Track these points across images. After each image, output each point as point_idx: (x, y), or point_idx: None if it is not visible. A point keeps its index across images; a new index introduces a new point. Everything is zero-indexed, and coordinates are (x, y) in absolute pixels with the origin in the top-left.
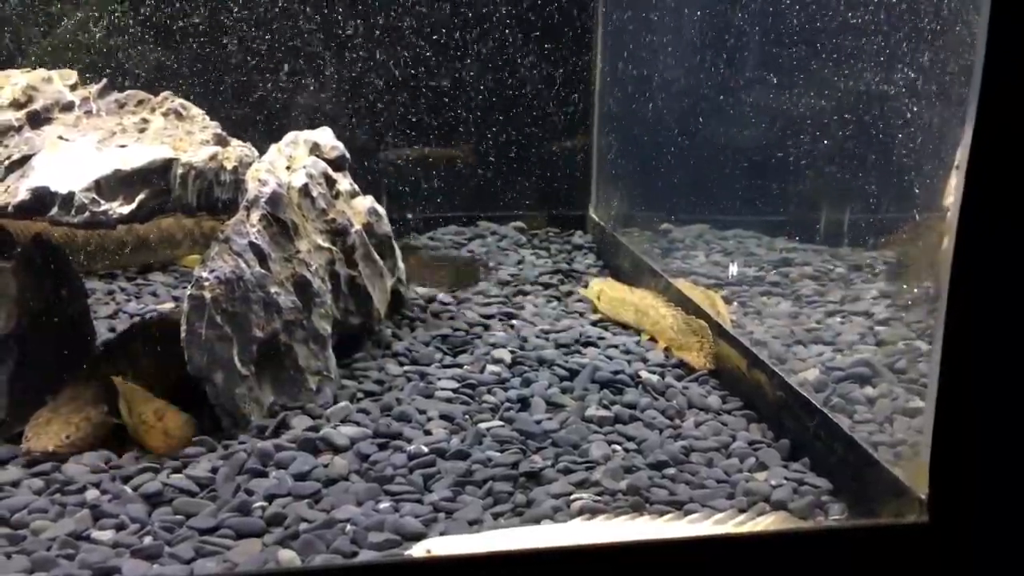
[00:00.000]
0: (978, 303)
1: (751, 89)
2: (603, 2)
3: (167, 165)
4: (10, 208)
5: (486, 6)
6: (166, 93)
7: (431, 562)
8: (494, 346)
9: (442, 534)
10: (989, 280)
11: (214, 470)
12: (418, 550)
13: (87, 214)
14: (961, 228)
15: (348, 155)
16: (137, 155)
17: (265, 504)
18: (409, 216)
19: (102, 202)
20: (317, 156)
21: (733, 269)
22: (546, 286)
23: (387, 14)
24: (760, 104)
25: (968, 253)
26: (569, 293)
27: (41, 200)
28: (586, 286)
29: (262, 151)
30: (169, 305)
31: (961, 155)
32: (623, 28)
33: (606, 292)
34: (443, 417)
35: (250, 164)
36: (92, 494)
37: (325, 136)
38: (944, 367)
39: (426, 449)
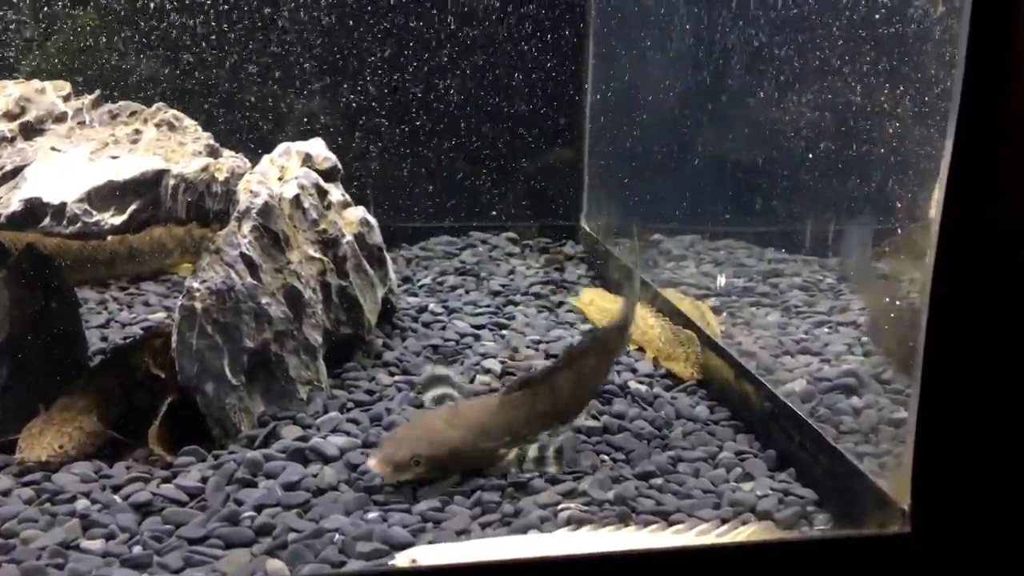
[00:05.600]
0: (959, 314)
1: (741, 101)
2: (594, 14)
3: (158, 176)
4: (2, 219)
5: (478, 17)
6: (159, 104)
7: (417, 572)
8: (484, 356)
9: (430, 543)
10: (970, 291)
11: (204, 480)
12: (402, 559)
13: (79, 224)
14: (942, 239)
15: (340, 166)
16: (129, 166)
17: (254, 514)
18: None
19: (94, 213)
20: (309, 167)
21: (722, 280)
22: (537, 296)
23: (380, 26)
24: (750, 116)
25: (949, 264)
26: (560, 303)
27: (33, 211)
28: (577, 296)
29: (255, 162)
30: (161, 315)
31: (943, 167)
32: (614, 40)
33: (596, 302)
34: None
35: (242, 175)
36: (82, 504)
37: (317, 147)
38: (926, 378)
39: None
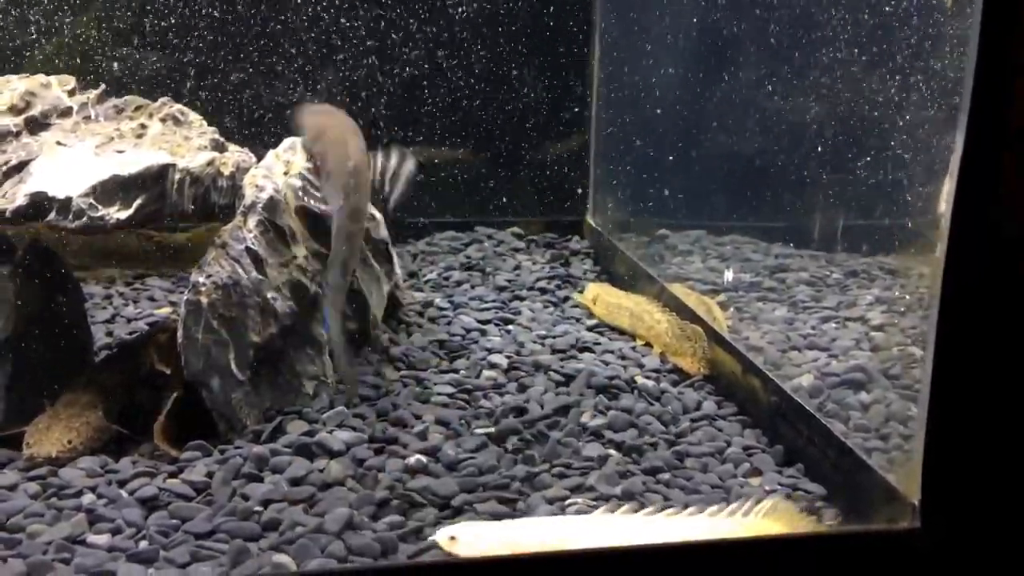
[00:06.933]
0: (970, 309)
1: (748, 96)
2: (600, 8)
3: (164, 170)
4: (8, 213)
5: (484, 12)
6: (164, 99)
7: (421, 567)
8: (490, 351)
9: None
10: (981, 285)
11: (210, 475)
12: (442, 535)
13: (84, 219)
14: (953, 234)
15: None
16: (134, 161)
17: (261, 509)
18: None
19: (99, 207)
20: None
21: (729, 275)
22: (543, 291)
23: (385, 21)
24: (756, 111)
25: (960, 258)
26: (566, 298)
27: (39, 205)
28: (582, 291)
29: (260, 156)
30: (166, 310)
31: (954, 162)
32: (620, 34)
33: (602, 297)
34: (439, 422)
35: (247, 169)
36: (88, 498)
37: None
38: (936, 373)
39: (425, 460)
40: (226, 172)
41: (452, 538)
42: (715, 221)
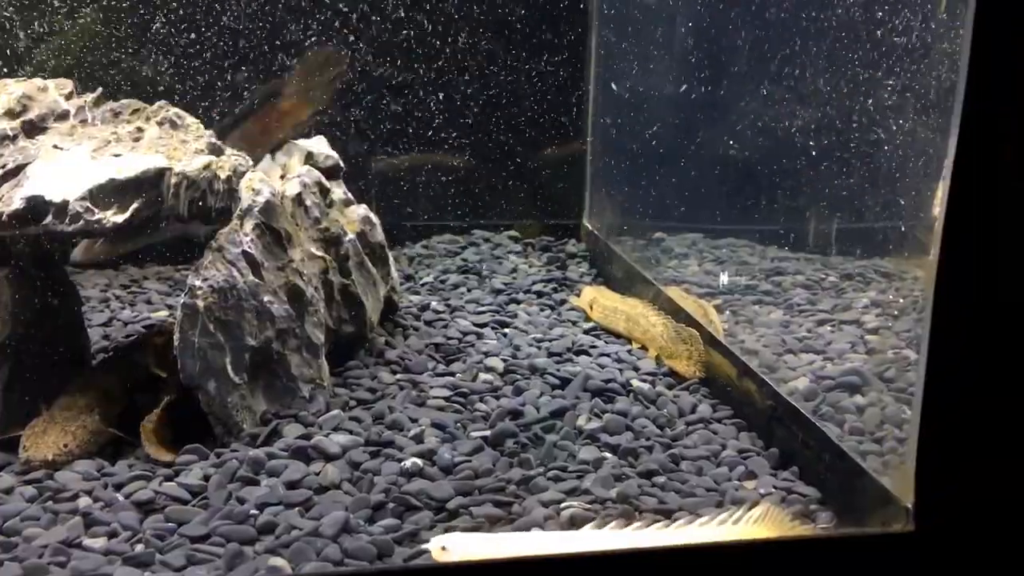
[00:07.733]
0: (963, 312)
1: (743, 100)
2: (597, 13)
3: (160, 174)
4: (4, 216)
5: (481, 16)
6: (161, 102)
7: (418, 570)
8: (487, 354)
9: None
10: (974, 289)
11: (206, 478)
12: (434, 545)
13: (81, 223)
14: (946, 237)
15: (342, 164)
16: (131, 164)
17: (257, 512)
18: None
19: (96, 211)
20: (311, 165)
21: (725, 278)
22: (539, 294)
23: (382, 24)
24: (752, 115)
25: (954, 261)
26: (562, 301)
27: (35, 209)
28: (579, 294)
29: (256, 160)
30: (163, 313)
31: (947, 165)
32: (616, 39)
33: (598, 300)
34: (435, 425)
35: (244, 173)
36: (84, 502)
37: (319, 145)
38: (930, 376)
39: (421, 463)
40: (223, 176)
41: (443, 548)
42: (711, 224)
